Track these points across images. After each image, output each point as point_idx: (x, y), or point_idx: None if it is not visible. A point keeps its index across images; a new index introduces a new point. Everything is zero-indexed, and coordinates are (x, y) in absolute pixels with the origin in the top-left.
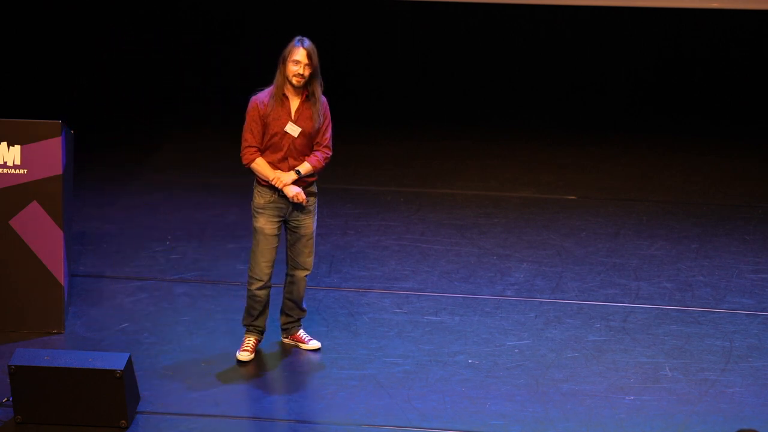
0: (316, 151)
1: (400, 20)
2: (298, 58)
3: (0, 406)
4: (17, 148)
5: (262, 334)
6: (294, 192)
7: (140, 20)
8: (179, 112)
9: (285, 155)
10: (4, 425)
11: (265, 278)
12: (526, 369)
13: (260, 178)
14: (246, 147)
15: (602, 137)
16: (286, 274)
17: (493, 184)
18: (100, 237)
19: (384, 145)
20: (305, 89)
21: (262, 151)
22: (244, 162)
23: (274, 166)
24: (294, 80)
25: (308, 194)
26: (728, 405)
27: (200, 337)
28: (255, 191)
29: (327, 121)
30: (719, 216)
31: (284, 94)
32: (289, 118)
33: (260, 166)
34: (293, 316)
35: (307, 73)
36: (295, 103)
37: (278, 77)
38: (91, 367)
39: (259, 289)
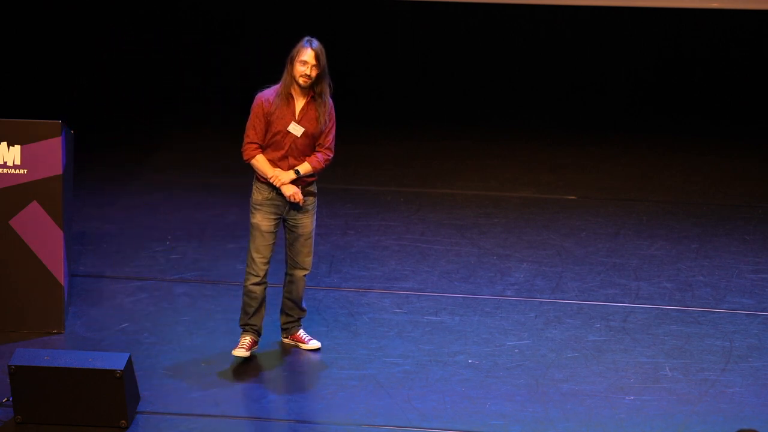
0: (317, 152)
1: (400, 20)
2: (306, 59)
3: (0, 406)
4: (17, 148)
5: (258, 335)
6: (291, 191)
7: (140, 20)
8: (179, 112)
9: (285, 154)
10: (4, 425)
11: (261, 274)
12: (526, 369)
13: (259, 175)
14: (248, 143)
15: (602, 137)
16: (285, 274)
17: (493, 184)
18: (100, 237)
19: (384, 145)
20: (312, 90)
21: (263, 149)
22: (245, 158)
23: (274, 164)
24: (301, 81)
25: (307, 194)
26: (728, 405)
27: (200, 337)
28: (254, 187)
29: (331, 123)
30: (719, 216)
31: (290, 94)
32: (293, 117)
33: (260, 163)
34: (293, 315)
35: (314, 73)
36: (300, 103)
37: (285, 76)
38: (91, 367)
39: (255, 284)
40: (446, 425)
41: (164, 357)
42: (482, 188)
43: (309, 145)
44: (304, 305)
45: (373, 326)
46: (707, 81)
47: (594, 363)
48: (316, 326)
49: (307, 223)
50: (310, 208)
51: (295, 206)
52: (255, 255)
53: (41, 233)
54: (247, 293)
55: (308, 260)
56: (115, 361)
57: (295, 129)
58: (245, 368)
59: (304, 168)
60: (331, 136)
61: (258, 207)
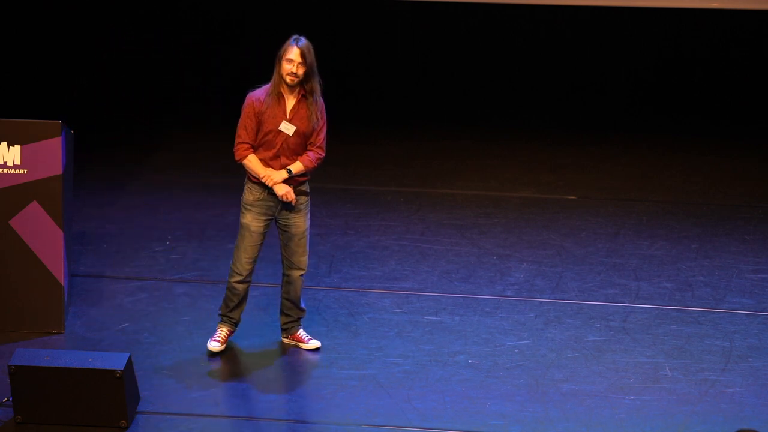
0: (309, 151)
1: (400, 20)
2: (292, 57)
3: (0, 406)
4: (17, 148)
5: (235, 326)
6: (283, 191)
7: (140, 20)
8: (179, 112)
9: (277, 153)
10: (4, 425)
11: (245, 273)
12: (526, 369)
13: (251, 175)
14: (239, 143)
15: (602, 137)
16: (282, 275)
17: (493, 184)
18: (100, 237)
19: (384, 145)
20: (301, 88)
21: (255, 148)
22: (237, 158)
23: (266, 163)
24: (288, 79)
25: (299, 193)
26: (728, 405)
27: (200, 337)
28: (245, 187)
29: (323, 122)
30: (719, 216)
31: (280, 93)
32: (284, 116)
33: (252, 162)
34: (292, 315)
35: (300, 72)
36: (290, 102)
37: (274, 76)
38: (91, 367)
39: (239, 282)
40: (446, 425)
41: (164, 357)
42: (482, 188)
43: (301, 144)
44: (302, 305)
45: (373, 326)
46: (707, 81)
47: (594, 363)
48: (316, 326)
49: (300, 222)
50: (302, 207)
51: (287, 206)
52: (242, 254)
53: (41, 233)
54: (231, 289)
55: (303, 260)
56: (115, 361)
57: (287, 128)
58: (245, 368)
59: (296, 167)
60: (323, 135)
61: (249, 207)
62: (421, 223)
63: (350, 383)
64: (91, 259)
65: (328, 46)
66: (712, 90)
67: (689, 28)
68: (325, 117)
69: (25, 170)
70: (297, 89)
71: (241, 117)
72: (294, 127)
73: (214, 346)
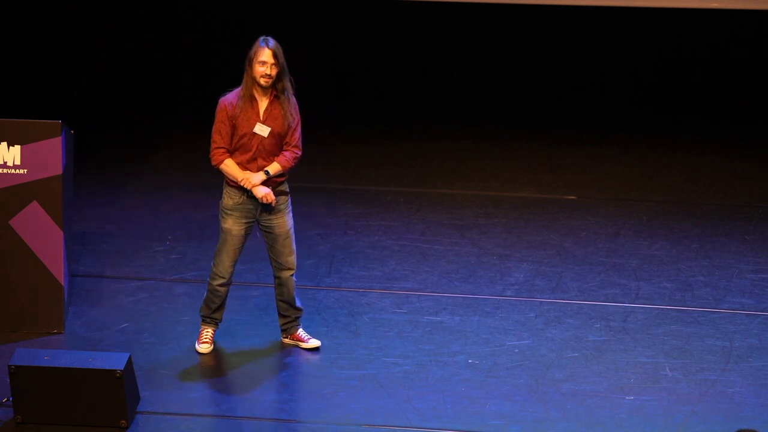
0: (285, 150)
1: (400, 20)
2: (264, 59)
3: (0, 406)
4: (17, 148)
5: (217, 325)
6: (263, 193)
7: (140, 20)
8: (179, 112)
9: (254, 155)
10: (4, 425)
11: (227, 276)
12: (526, 369)
13: (229, 179)
14: (215, 148)
15: (602, 137)
16: (273, 277)
17: (493, 184)
18: (100, 237)
19: (384, 145)
20: (273, 89)
21: (231, 152)
22: (213, 163)
23: (243, 166)
24: (262, 81)
25: (279, 194)
26: (728, 405)
27: None
28: (224, 192)
29: (297, 121)
30: (719, 216)
31: (252, 95)
32: (258, 118)
33: (229, 167)
34: (290, 316)
35: (274, 72)
36: (263, 103)
37: (246, 78)
38: (91, 367)
39: (221, 285)
40: (446, 425)
41: (164, 357)
42: (482, 188)
43: (276, 144)
44: (298, 304)
45: (373, 326)
46: (707, 81)
47: (594, 363)
48: (316, 326)
49: (282, 222)
50: (282, 207)
51: (267, 207)
52: (224, 258)
53: (41, 233)
54: (212, 291)
55: (291, 259)
56: (115, 361)
57: (261, 130)
58: (245, 368)
59: (274, 168)
60: (298, 134)
61: (229, 212)
62: (421, 223)
63: (350, 383)
64: (91, 259)
65: (328, 46)
66: (712, 90)
67: (689, 28)
68: (299, 115)
69: (25, 170)
70: (270, 90)
71: (214, 122)
72: (268, 129)
73: (203, 348)
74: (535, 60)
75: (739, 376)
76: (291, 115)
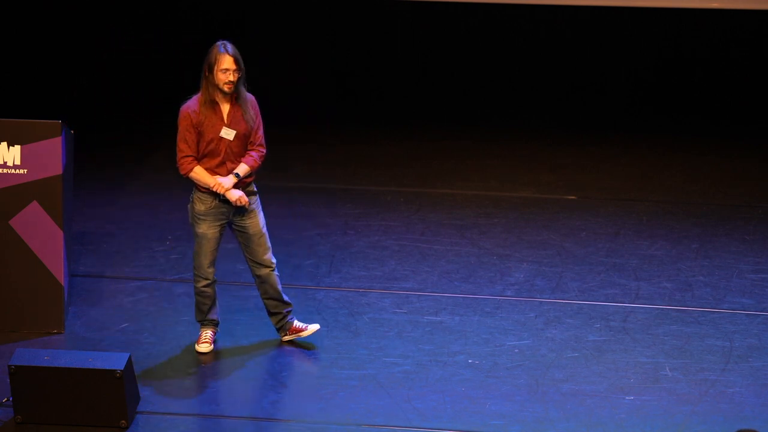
0: (250, 150)
1: (400, 20)
2: (226, 66)
3: (0, 406)
4: (17, 148)
5: (216, 326)
6: (237, 196)
7: (140, 20)
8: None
9: (223, 160)
10: (4, 425)
11: (211, 277)
12: (526, 369)
13: (200, 186)
14: (182, 157)
15: (602, 137)
16: (254, 277)
17: (493, 184)
18: (100, 237)
19: (384, 145)
20: (234, 91)
21: (198, 159)
22: (182, 172)
23: (212, 171)
24: (225, 88)
25: (249, 194)
26: (728, 405)
27: None
28: (194, 198)
29: (258, 120)
30: (719, 216)
31: (214, 100)
32: (222, 123)
33: (199, 174)
34: (281, 312)
35: (236, 78)
36: (225, 107)
37: (206, 85)
38: (91, 367)
39: (206, 286)
40: (446, 425)
41: (164, 357)
42: (482, 188)
43: (242, 146)
44: (286, 298)
45: (373, 326)
46: (707, 81)
47: (594, 363)
48: None
49: (255, 222)
50: (254, 207)
51: (240, 209)
52: (203, 260)
53: (41, 233)
54: (200, 294)
55: (268, 256)
56: (115, 361)
57: (227, 133)
58: (245, 368)
59: (243, 169)
60: (261, 132)
61: (203, 217)
62: (421, 223)
63: (350, 383)
64: (91, 259)
65: (328, 46)
66: (712, 90)
67: (689, 28)
68: (259, 114)
69: (25, 170)
70: (230, 93)
71: (178, 131)
72: (234, 131)
73: (203, 348)
74: (535, 60)
75: (739, 376)
76: (251, 113)
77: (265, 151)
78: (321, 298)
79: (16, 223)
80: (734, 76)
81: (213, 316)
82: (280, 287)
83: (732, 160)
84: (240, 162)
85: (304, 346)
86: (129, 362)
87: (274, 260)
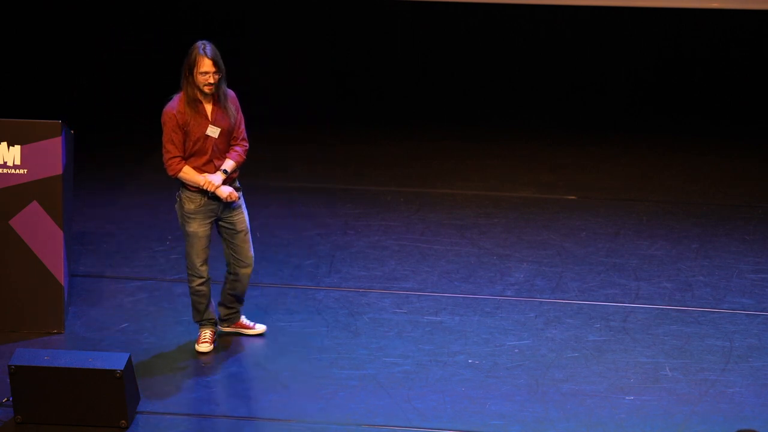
0: (234, 146)
1: (400, 20)
2: (206, 69)
3: (0, 406)
4: (17, 148)
5: (215, 325)
6: (227, 192)
7: (140, 20)
8: None
9: (210, 158)
10: (4, 425)
11: (205, 275)
12: (526, 369)
13: (189, 185)
14: (170, 158)
15: (602, 137)
16: (228, 273)
17: (493, 184)
18: (100, 237)
19: (384, 145)
20: (216, 90)
21: (186, 159)
22: (171, 173)
23: (200, 170)
24: (206, 89)
25: (235, 190)
26: (728, 405)
27: None
28: (183, 197)
29: (240, 115)
30: (719, 216)
31: (197, 100)
32: (207, 121)
33: (188, 173)
34: (235, 308)
35: (216, 79)
36: (209, 106)
37: (187, 86)
38: (91, 367)
39: (201, 285)
40: (446, 425)
41: (164, 357)
42: (482, 188)
43: (226, 142)
44: (244, 298)
45: (373, 326)
46: (707, 81)
47: (594, 363)
48: (316, 326)
49: (243, 218)
50: (240, 202)
51: (229, 205)
52: (195, 259)
53: (41, 233)
54: (195, 293)
55: (251, 255)
56: (115, 361)
57: (213, 131)
58: (245, 368)
59: (229, 166)
60: (243, 127)
61: (192, 216)
62: (421, 223)
63: (350, 383)
64: (91, 259)
65: (328, 46)
66: (712, 90)
67: (689, 28)
68: (239, 108)
69: (25, 170)
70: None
71: (164, 132)
72: (218, 129)
73: (203, 347)
74: (535, 60)
75: (739, 376)
76: (232, 109)
77: (248, 145)
78: (321, 298)
79: (16, 223)
80: (734, 76)
81: (210, 315)
82: (247, 287)
83: (732, 160)
84: (225, 158)
85: (304, 346)
86: (129, 362)
87: (253, 259)
